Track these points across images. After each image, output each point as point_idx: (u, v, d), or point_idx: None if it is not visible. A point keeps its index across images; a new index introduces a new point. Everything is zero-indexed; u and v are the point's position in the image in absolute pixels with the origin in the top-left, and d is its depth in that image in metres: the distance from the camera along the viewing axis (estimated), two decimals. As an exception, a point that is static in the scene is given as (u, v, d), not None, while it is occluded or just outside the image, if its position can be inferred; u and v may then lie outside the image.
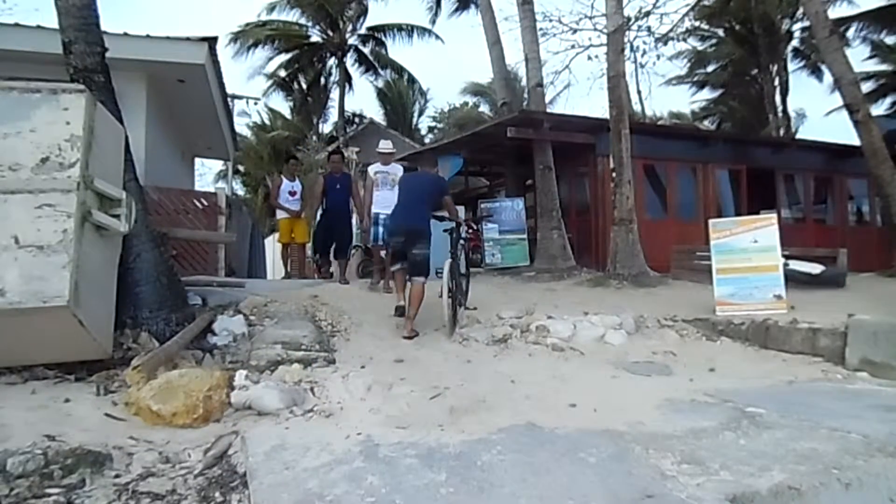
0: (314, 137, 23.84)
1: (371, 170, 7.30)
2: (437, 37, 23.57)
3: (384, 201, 6.90)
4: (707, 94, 26.41)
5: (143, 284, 4.44)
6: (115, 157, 4.24)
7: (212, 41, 7.97)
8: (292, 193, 8.58)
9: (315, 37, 24.48)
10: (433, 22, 22.10)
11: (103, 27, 4.75)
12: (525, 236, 10.86)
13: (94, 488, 2.41)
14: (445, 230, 5.97)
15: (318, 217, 7.82)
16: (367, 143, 19.13)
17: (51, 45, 5.10)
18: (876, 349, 4.69)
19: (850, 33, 18.27)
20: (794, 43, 21.92)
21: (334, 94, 25.73)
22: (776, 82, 21.71)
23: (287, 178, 8.72)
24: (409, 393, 3.69)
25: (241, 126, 25.38)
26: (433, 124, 30.63)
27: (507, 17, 15.42)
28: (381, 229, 6.94)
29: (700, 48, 23.55)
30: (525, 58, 10.78)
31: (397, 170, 7.24)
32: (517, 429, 3.03)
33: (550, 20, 10.65)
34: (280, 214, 8.67)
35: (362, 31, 24.70)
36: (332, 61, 25.18)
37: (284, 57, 24.83)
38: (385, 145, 7.44)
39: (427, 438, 2.87)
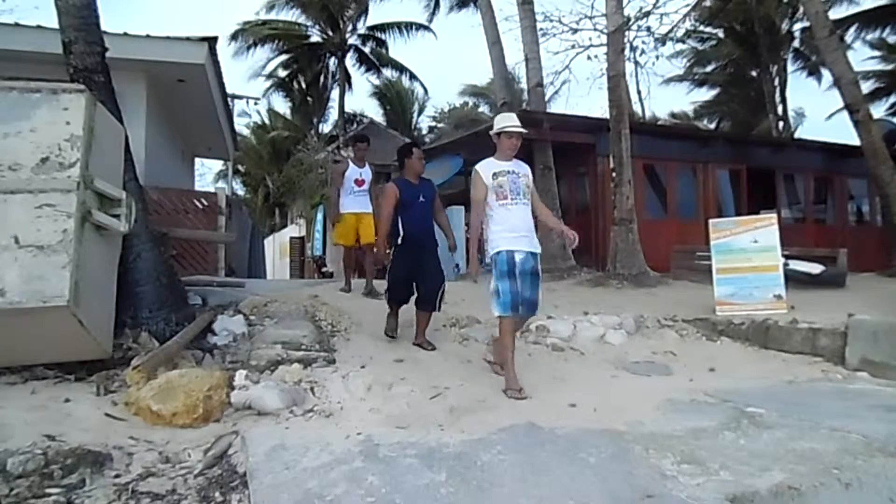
0: (314, 137, 23.83)
1: (484, 171, 4.04)
2: (434, 33, 23.62)
3: (521, 226, 3.95)
4: (706, 93, 26.49)
5: (143, 284, 4.43)
6: (115, 157, 4.23)
7: (212, 41, 7.97)
8: (359, 182, 6.58)
9: (315, 36, 24.50)
10: (430, 20, 22.26)
11: (103, 27, 4.75)
12: (525, 236, 10.82)
13: (94, 488, 2.41)
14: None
15: (394, 245, 4.90)
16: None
17: (51, 45, 5.10)
18: (876, 349, 4.69)
19: (850, 33, 18.28)
20: (794, 43, 21.94)
21: (334, 93, 25.78)
22: (776, 82, 21.73)
23: (355, 163, 6.69)
24: (409, 393, 3.68)
25: (241, 126, 25.47)
26: (433, 124, 30.68)
27: (507, 17, 15.51)
28: (517, 286, 3.84)
29: (700, 48, 23.58)
30: (525, 58, 10.77)
31: (526, 168, 4.18)
32: (517, 429, 3.03)
33: (550, 20, 10.63)
34: (344, 207, 6.57)
35: (362, 30, 24.75)
36: (331, 61, 25.20)
37: (284, 57, 24.85)
38: (508, 120, 4.15)
39: (427, 438, 2.87)
